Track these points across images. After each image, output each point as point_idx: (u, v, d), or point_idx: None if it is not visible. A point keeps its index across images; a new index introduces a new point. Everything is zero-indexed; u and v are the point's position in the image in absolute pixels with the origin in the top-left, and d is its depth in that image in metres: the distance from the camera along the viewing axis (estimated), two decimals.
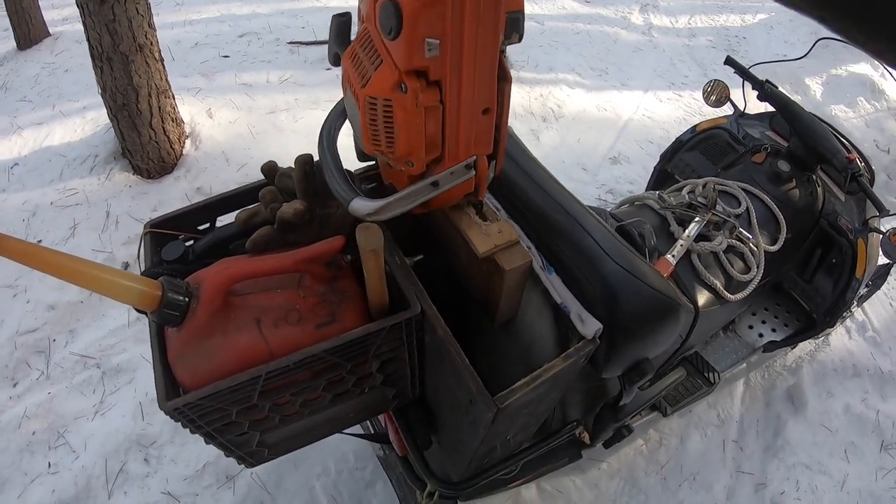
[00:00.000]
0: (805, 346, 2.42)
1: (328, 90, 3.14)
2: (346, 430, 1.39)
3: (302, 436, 0.91)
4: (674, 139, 2.11)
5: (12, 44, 3.30)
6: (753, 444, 2.09)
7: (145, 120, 2.17)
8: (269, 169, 0.82)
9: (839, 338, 2.53)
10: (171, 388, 0.66)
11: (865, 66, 4.84)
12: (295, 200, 0.73)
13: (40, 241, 2.16)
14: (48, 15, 3.41)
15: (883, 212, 1.65)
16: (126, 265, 2.14)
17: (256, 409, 0.73)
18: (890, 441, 2.21)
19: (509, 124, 0.73)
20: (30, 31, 3.20)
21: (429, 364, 0.85)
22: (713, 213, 1.48)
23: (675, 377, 1.30)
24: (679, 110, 3.88)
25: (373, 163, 0.88)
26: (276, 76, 3.20)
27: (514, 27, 0.58)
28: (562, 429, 1.06)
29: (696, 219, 1.45)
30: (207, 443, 0.80)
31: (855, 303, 2.51)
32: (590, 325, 0.77)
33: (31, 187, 2.33)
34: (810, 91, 4.04)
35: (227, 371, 0.64)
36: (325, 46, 3.49)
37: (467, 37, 0.55)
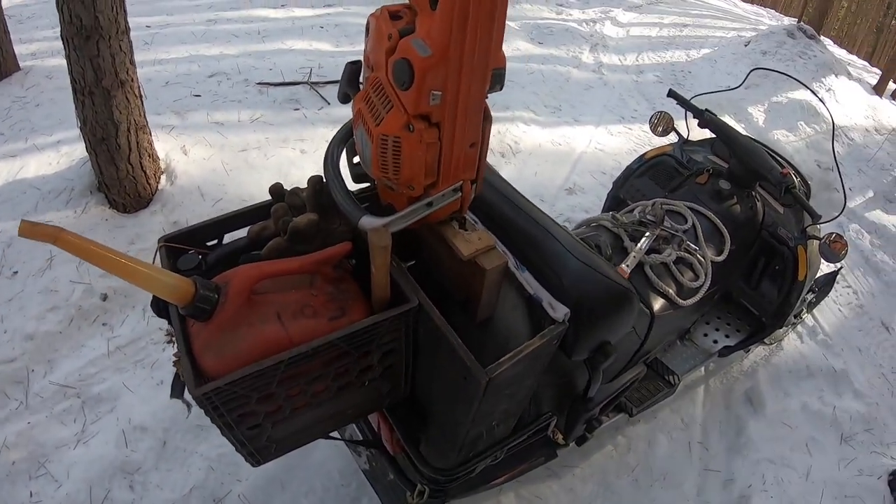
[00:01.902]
0: (759, 352, 2.61)
1: (296, 130, 3.29)
2: (339, 438, 1.49)
3: (305, 432, 1.00)
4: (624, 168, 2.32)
5: None
6: (717, 443, 2.23)
7: (124, 155, 2.24)
8: (277, 190, 0.94)
9: (792, 342, 2.74)
10: (198, 377, 0.76)
11: (803, 93, 5.27)
12: (307, 213, 0.85)
13: (16, 272, 2.18)
14: (17, 49, 3.46)
15: (816, 219, 1.85)
16: (104, 296, 2.18)
17: (272, 400, 0.82)
18: (849, 433, 2.39)
19: None
20: (0, 65, 3.24)
21: (422, 357, 0.96)
22: (661, 229, 1.66)
23: (636, 372, 1.44)
24: (629, 142, 4.17)
25: (367, 185, 1.01)
26: (247, 115, 3.32)
27: (497, 80, 0.75)
28: (538, 418, 1.19)
29: (647, 234, 1.63)
30: (223, 434, 0.89)
31: (804, 309, 2.74)
32: (559, 310, 0.91)
33: (5, 219, 2.34)
34: (753, 118, 4.39)
35: (253, 357, 0.74)
36: (292, 88, 3.66)
37: (462, 89, 0.71)
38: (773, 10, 13.53)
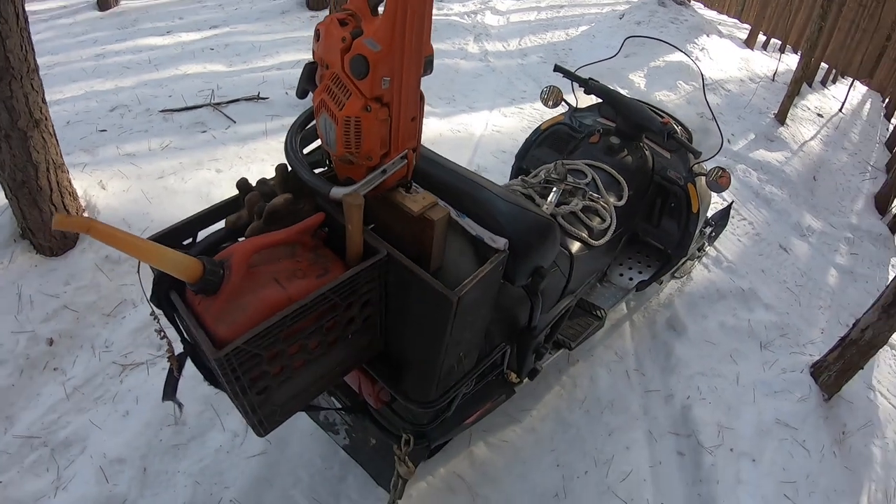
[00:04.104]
0: (673, 285, 2.99)
1: (207, 151, 3.38)
2: (327, 408, 1.64)
3: (302, 394, 1.16)
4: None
5: None
6: (651, 368, 2.57)
7: (45, 196, 2.26)
8: (244, 184, 1.11)
9: (700, 273, 3.14)
10: (213, 345, 0.91)
11: (679, 55, 5.86)
12: (280, 196, 1.02)
13: None
14: None
15: (698, 156, 2.20)
16: (51, 341, 2.20)
17: (277, 359, 0.99)
18: (767, 341, 2.80)
19: None
20: None
21: (394, 304, 1.15)
22: (566, 184, 1.95)
23: (567, 303, 1.70)
24: (523, 121, 4.55)
25: (323, 169, 1.20)
26: (157, 143, 3.36)
27: (428, 65, 0.98)
28: (494, 350, 1.42)
29: (554, 189, 1.91)
30: (236, 401, 1.03)
31: (706, 242, 3.16)
32: (499, 241, 1.15)
33: None
34: (635, 84, 4.88)
35: (262, 318, 0.90)
36: (196, 111, 3.73)
37: (405, 74, 0.93)
38: None
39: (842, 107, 7.75)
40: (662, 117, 2.30)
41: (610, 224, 2.02)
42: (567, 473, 2.09)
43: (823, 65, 9.35)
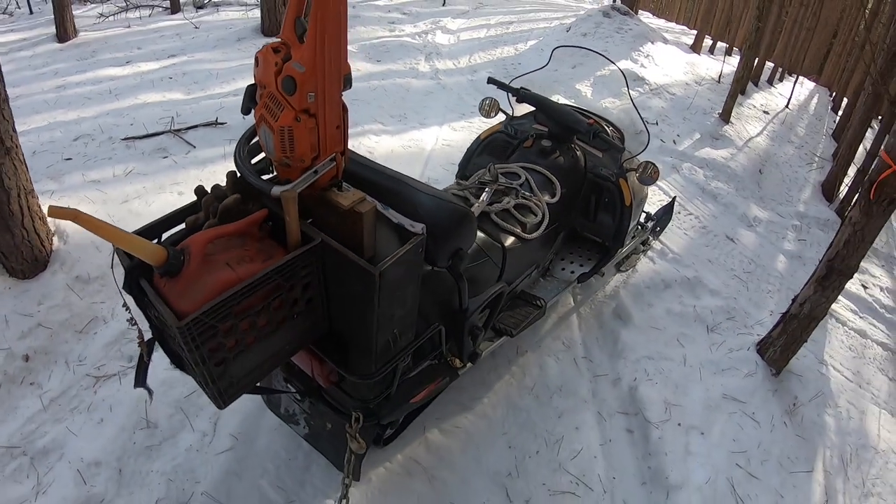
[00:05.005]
0: (618, 278, 3.24)
1: (169, 175, 3.60)
2: (281, 391, 1.83)
3: (257, 370, 1.36)
4: None
5: None
6: (599, 354, 2.79)
7: (17, 220, 2.42)
8: (200, 189, 1.33)
9: (645, 265, 3.38)
10: (176, 318, 1.12)
11: (625, 63, 6.22)
12: (230, 196, 1.24)
13: None
14: None
15: (620, 151, 2.46)
16: (26, 357, 2.36)
17: (231, 333, 1.20)
18: (713, 324, 3.02)
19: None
20: None
21: (332, 287, 1.37)
22: (498, 185, 2.20)
23: (499, 287, 1.93)
24: (472, 134, 4.84)
25: (269, 175, 1.42)
26: (121, 170, 3.55)
27: (347, 81, 1.20)
28: (428, 328, 1.63)
29: (486, 190, 2.16)
30: (196, 372, 1.23)
31: (650, 237, 3.42)
32: (417, 226, 1.37)
33: None
34: (581, 93, 5.20)
35: (216, 295, 1.11)
36: (157, 138, 3.97)
37: (327, 89, 1.16)
38: None
39: (788, 103, 8.23)
40: (589, 118, 2.57)
41: (542, 219, 2.27)
42: (519, 454, 2.28)
43: (771, 64, 9.88)
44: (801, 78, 9.91)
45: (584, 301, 3.07)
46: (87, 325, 2.55)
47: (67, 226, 2.84)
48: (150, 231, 1.34)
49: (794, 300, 2.64)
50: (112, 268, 1.30)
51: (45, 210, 2.69)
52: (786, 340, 2.66)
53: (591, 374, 2.70)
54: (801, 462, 2.38)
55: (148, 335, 1.38)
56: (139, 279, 1.19)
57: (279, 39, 1.19)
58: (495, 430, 2.36)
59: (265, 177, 1.41)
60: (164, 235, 1.36)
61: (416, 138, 4.64)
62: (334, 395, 1.69)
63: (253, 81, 1.27)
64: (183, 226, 1.34)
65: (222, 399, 1.31)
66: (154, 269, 1.14)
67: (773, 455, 2.37)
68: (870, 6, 8.51)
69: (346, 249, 1.26)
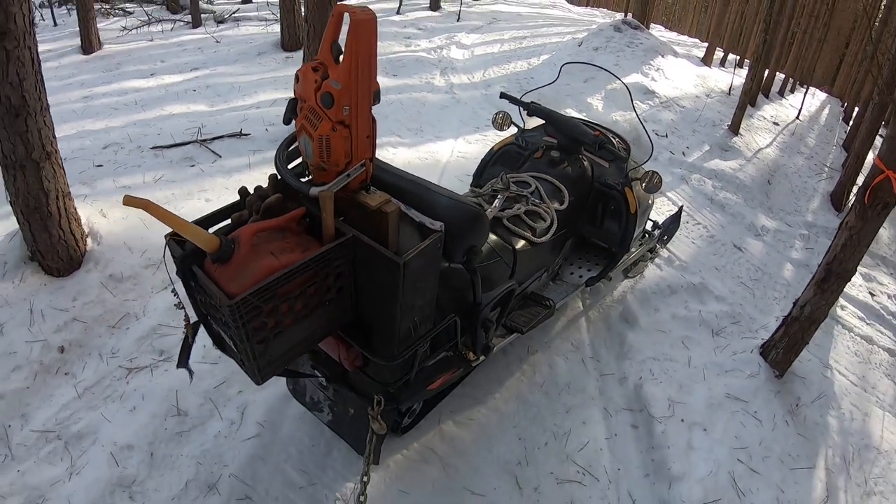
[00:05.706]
0: (626, 284, 3.37)
1: (197, 183, 3.81)
2: (308, 374, 1.99)
3: (291, 351, 1.52)
4: None
5: None
6: (606, 355, 2.93)
7: (55, 221, 2.61)
8: (244, 191, 1.51)
9: (652, 272, 3.52)
10: (227, 298, 1.28)
11: (635, 76, 6.38)
12: (273, 195, 1.42)
13: None
14: None
15: (624, 161, 2.62)
16: (62, 348, 2.53)
17: (273, 314, 1.36)
18: (718, 328, 3.13)
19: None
20: None
21: (361, 277, 1.53)
22: (510, 193, 2.37)
23: (510, 285, 2.08)
24: (486, 146, 4.98)
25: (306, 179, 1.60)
26: (150, 177, 3.76)
27: (376, 97, 1.38)
28: (445, 318, 1.79)
29: (498, 197, 2.32)
30: (241, 347, 1.38)
31: (658, 245, 3.57)
32: (437, 225, 1.53)
33: None
34: (593, 107, 5.36)
35: (261, 279, 1.28)
36: (184, 147, 4.20)
37: (359, 104, 1.34)
38: (604, 9, 15.45)
39: (798, 114, 8.35)
40: (595, 130, 2.74)
41: (552, 224, 2.43)
42: (529, 445, 2.43)
43: (783, 76, 10.01)
44: (812, 89, 10.03)
45: (593, 305, 3.22)
46: (119, 320, 2.73)
47: (101, 227, 3.04)
48: (201, 223, 1.51)
49: (794, 303, 2.76)
50: (164, 259, 1.47)
51: (80, 213, 2.89)
52: (788, 343, 2.77)
53: (599, 373, 2.83)
54: (803, 459, 2.48)
55: (193, 319, 1.55)
56: (192, 265, 1.36)
57: (317, 60, 1.37)
58: (506, 422, 2.50)
59: (301, 180, 1.58)
60: (210, 230, 1.54)
61: (432, 150, 4.83)
62: (357, 380, 1.85)
63: (293, 96, 1.45)
64: (228, 221, 1.51)
65: (261, 375, 1.47)
66: (207, 255, 1.31)
67: (774, 452, 2.47)
68: (880, 16, 8.64)
69: (375, 243, 1.42)
